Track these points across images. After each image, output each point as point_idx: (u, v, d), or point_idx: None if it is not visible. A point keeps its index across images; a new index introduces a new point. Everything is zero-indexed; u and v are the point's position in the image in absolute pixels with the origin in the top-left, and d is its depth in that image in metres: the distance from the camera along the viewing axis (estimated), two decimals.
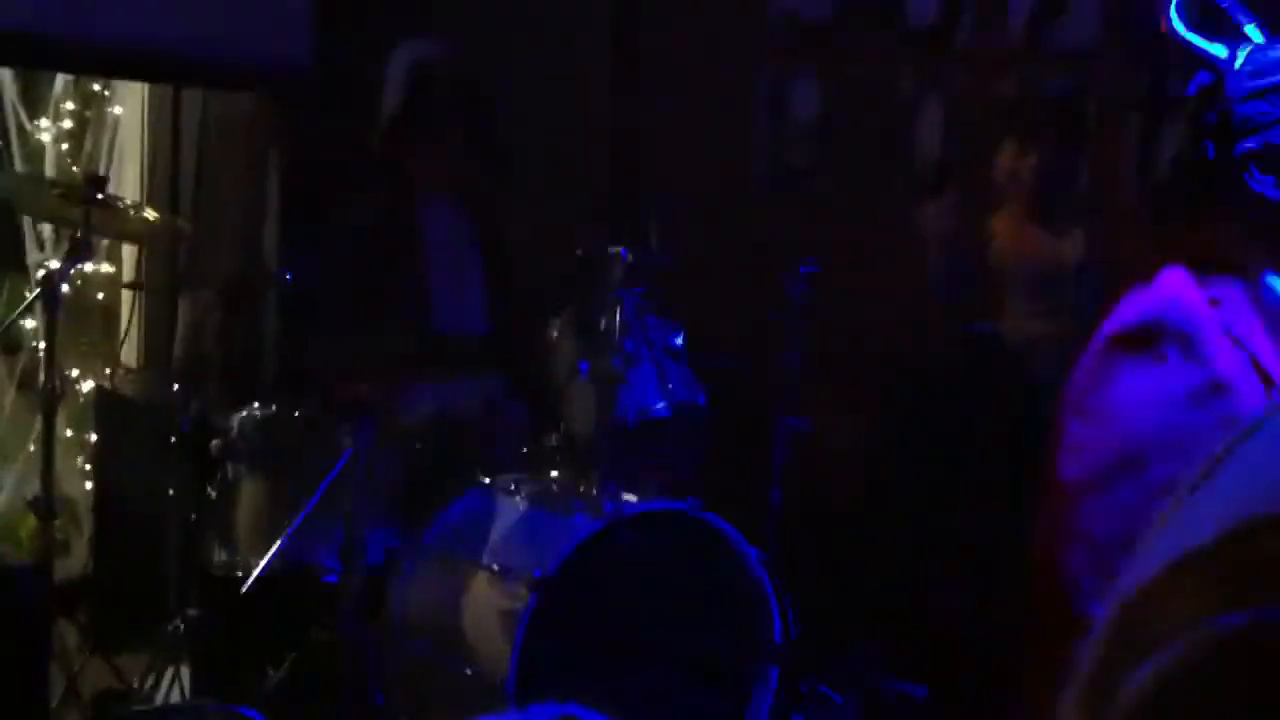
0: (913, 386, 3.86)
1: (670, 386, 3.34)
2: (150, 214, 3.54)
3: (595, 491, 3.15)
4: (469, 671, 3.06)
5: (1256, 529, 0.67)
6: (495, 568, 3.10)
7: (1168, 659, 0.67)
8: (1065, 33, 4.29)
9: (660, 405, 3.31)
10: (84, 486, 4.43)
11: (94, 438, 4.37)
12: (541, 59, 4.67)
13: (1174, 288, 1.63)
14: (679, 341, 3.44)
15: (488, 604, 3.08)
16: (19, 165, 4.40)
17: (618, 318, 3.24)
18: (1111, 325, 1.64)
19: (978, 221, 3.89)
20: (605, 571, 3.09)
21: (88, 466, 4.43)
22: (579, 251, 3.25)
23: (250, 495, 3.24)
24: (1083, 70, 4.25)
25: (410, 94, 3.81)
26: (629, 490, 3.24)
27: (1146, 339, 1.60)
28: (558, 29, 4.72)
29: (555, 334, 3.41)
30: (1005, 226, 3.88)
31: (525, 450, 3.50)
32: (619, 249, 3.23)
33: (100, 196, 3.15)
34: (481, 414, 3.67)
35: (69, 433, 4.35)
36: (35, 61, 4.21)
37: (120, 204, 3.28)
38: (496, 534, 3.18)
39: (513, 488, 3.23)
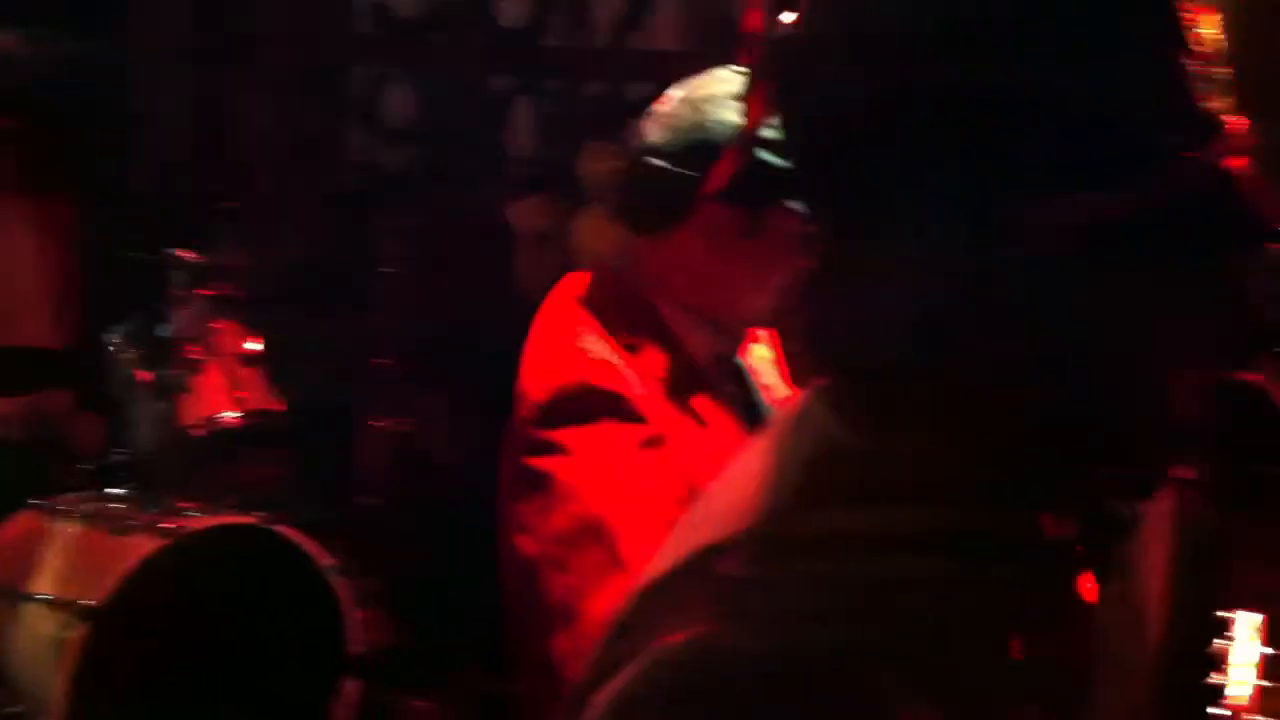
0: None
1: (243, 395, 3.20)
2: None
3: (157, 510, 2.97)
4: (22, 709, 2.84)
5: (703, 557, 0.73)
6: (50, 597, 2.88)
7: (622, 681, 0.70)
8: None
9: (231, 415, 3.17)
10: None
11: None
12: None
13: None
14: (256, 347, 3.29)
15: (42, 637, 2.86)
16: None
17: (181, 324, 3.08)
18: None
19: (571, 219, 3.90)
20: (173, 595, 2.91)
21: None
22: (129, 254, 3.06)
23: None
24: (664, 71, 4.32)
25: None
26: (202, 507, 3.08)
27: None
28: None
29: (116, 342, 3.21)
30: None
31: (92, 469, 3.28)
32: (179, 251, 3.06)
33: None
34: (41, 432, 3.42)
35: None
36: None
37: None
38: (51, 561, 2.95)
39: (68, 510, 3.01)
